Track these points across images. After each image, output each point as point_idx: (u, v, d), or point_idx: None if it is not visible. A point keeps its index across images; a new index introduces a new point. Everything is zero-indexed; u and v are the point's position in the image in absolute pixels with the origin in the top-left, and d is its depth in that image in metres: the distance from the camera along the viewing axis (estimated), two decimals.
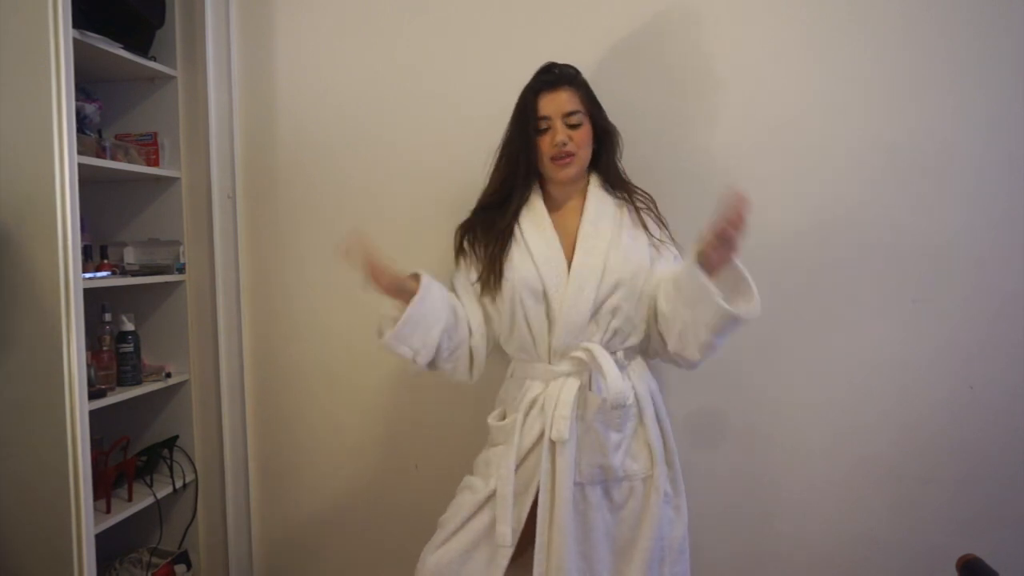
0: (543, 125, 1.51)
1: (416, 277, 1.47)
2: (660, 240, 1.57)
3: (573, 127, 1.51)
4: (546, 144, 1.51)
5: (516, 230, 1.54)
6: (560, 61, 1.56)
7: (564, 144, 1.49)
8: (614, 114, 1.59)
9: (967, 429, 1.80)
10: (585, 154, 1.54)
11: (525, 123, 1.52)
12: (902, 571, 1.84)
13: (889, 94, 1.76)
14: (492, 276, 1.53)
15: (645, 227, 1.56)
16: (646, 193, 1.62)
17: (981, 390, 1.79)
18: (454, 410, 1.97)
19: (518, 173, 1.54)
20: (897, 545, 1.84)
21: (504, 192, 1.56)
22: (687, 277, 1.40)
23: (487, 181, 1.60)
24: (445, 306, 1.51)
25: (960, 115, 1.75)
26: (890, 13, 1.75)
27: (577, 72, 1.56)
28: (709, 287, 1.35)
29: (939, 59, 1.74)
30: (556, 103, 1.50)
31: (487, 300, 1.56)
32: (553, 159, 1.51)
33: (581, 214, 1.55)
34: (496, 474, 1.49)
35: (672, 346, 1.48)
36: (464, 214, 1.63)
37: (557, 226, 1.54)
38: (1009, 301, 1.76)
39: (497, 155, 1.58)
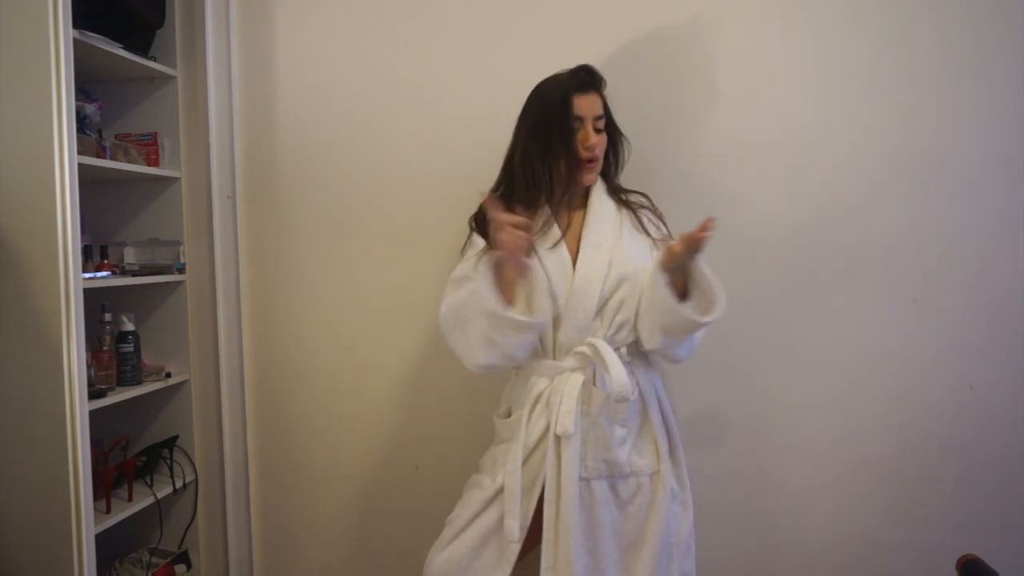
0: (575, 125, 1.50)
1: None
2: (658, 239, 1.57)
3: (598, 131, 1.51)
4: (579, 145, 1.50)
5: None
6: (561, 61, 1.56)
7: (595, 148, 1.50)
8: (613, 112, 1.58)
9: (967, 429, 1.80)
10: (602, 161, 1.55)
11: (562, 121, 1.48)
12: (902, 571, 1.84)
13: (889, 93, 1.76)
14: None
15: (645, 229, 1.57)
16: (641, 193, 1.63)
17: (981, 390, 1.79)
18: (454, 411, 1.97)
19: (555, 169, 1.50)
20: (897, 545, 1.84)
21: (534, 188, 1.50)
22: (654, 281, 1.43)
23: (507, 179, 1.56)
24: None
25: (960, 115, 1.75)
26: (890, 13, 1.75)
27: (603, 79, 1.56)
28: (664, 290, 1.39)
29: (939, 59, 1.74)
30: (589, 105, 1.50)
31: None
32: (584, 162, 1.51)
33: (584, 213, 1.56)
34: (503, 470, 1.50)
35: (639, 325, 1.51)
36: (463, 213, 1.62)
37: (560, 224, 1.54)
38: (1009, 301, 1.76)
39: (520, 152, 1.52)
